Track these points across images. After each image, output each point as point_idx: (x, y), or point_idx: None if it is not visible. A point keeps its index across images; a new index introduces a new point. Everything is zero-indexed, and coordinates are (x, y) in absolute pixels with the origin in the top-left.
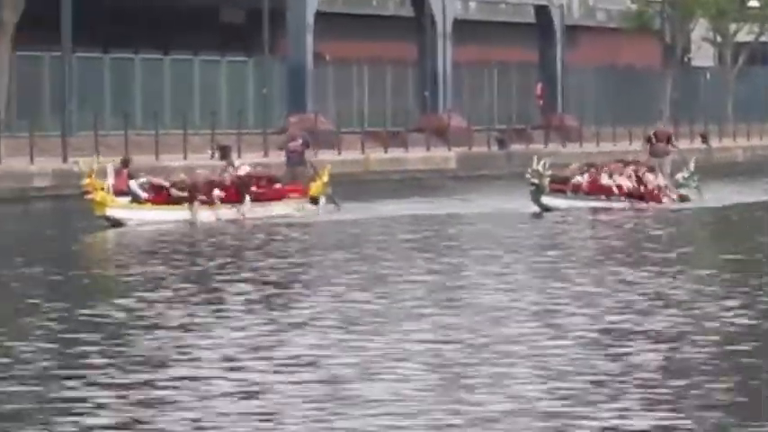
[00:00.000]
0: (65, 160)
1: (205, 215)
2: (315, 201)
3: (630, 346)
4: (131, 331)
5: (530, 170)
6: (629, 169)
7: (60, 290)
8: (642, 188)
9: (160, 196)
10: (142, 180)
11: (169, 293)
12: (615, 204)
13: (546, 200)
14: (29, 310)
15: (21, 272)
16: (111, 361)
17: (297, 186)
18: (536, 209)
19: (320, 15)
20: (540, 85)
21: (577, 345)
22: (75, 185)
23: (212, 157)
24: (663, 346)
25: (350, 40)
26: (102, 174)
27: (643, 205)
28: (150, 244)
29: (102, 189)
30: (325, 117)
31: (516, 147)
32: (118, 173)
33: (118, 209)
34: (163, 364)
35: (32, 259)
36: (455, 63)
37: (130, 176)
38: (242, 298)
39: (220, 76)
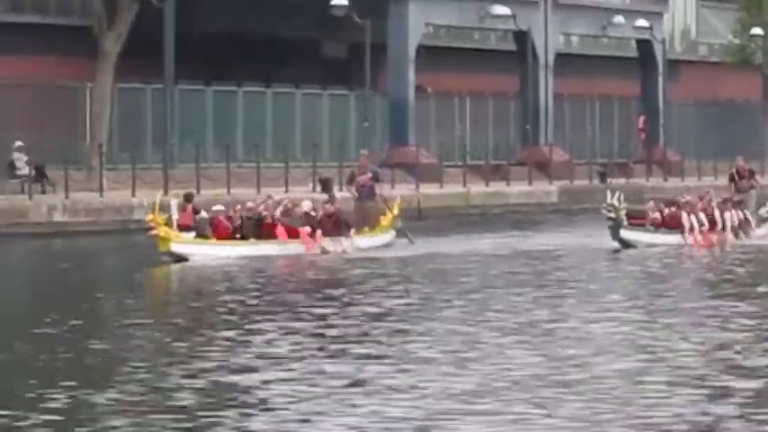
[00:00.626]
0: (166, 193)
1: (268, 249)
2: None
3: None
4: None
5: (605, 204)
6: (708, 203)
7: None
8: (720, 223)
9: (224, 231)
10: (204, 215)
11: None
12: (690, 239)
13: (625, 234)
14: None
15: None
16: None
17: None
18: (616, 244)
19: (422, 49)
20: (642, 118)
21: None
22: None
23: (314, 189)
24: None
25: (452, 73)
26: (164, 209)
27: (713, 239)
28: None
29: (166, 224)
30: (426, 150)
31: (618, 180)
32: (182, 208)
33: (181, 244)
34: None
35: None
36: (557, 96)
37: (195, 211)
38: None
39: (322, 109)
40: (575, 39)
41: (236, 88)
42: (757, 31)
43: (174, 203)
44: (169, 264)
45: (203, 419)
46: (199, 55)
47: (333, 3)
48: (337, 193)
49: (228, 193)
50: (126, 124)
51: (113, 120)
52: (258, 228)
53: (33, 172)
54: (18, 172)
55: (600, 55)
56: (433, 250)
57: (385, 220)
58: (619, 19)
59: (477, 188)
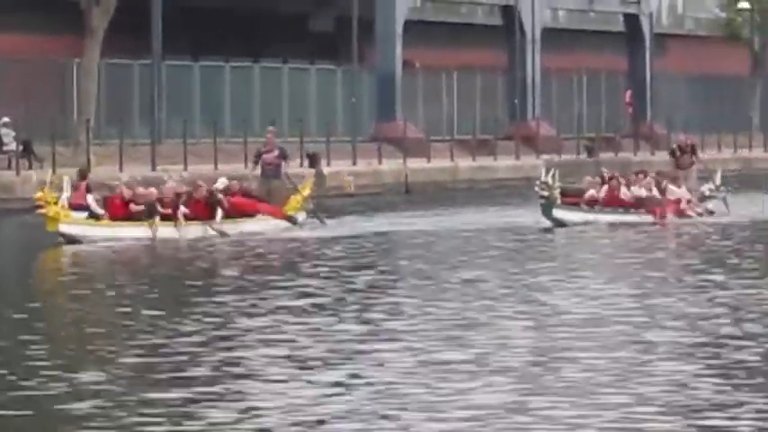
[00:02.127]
0: (153, 168)
1: (167, 232)
2: (292, 220)
3: None
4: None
5: (538, 182)
6: (649, 180)
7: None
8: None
9: (119, 212)
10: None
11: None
12: (629, 218)
13: (558, 213)
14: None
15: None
16: None
17: (269, 206)
18: (547, 223)
19: (409, 23)
20: (629, 93)
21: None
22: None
23: (301, 164)
24: None
25: (439, 47)
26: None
27: (654, 218)
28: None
29: (56, 203)
30: (414, 125)
31: (605, 155)
32: (75, 186)
33: (72, 225)
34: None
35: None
36: (544, 71)
37: (89, 190)
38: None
39: (309, 84)
40: (562, 13)
41: (224, 63)
42: (744, 4)
43: (66, 180)
44: (61, 245)
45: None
46: (186, 30)
47: None
48: (324, 169)
49: (216, 168)
50: (113, 100)
51: (101, 95)
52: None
53: (21, 147)
54: (5, 147)
55: (587, 29)
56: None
57: (294, 201)
58: None
59: (465, 163)
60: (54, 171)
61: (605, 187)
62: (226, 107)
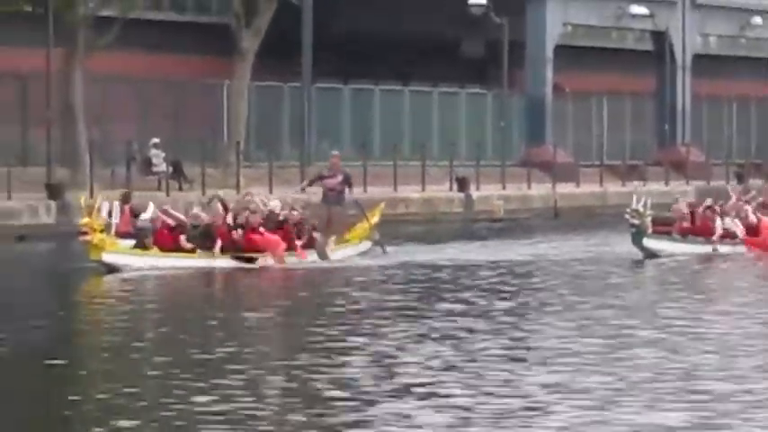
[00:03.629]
0: (303, 191)
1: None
2: (323, 255)
3: None
4: None
5: (629, 210)
6: (747, 208)
7: None
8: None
9: (167, 241)
10: (149, 215)
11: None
12: (723, 249)
13: (649, 243)
14: None
15: None
16: None
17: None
18: (638, 253)
19: (559, 48)
20: None
21: None
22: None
23: (450, 188)
24: None
25: (589, 72)
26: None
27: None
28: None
29: (102, 231)
30: (563, 149)
31: (755, 181)
32: (120, 211)
33: (115, 254)
34: None
35: None
36: (694, 96)
37: (134, 214)
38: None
39: (459, 107)
40: (712, 39)
41: (374, 87)
42: None
43: (115, 205)
44: (101, 274)
45: None
46: (336, 53)
47: (471, 2)
48: (473, 193)
49: (365, 191)
50: (263, 122)
51: (251, 117)
52: (205, 238)
53: (170, 169)
54: (155, 168)
55: (738, 55)
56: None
57: (361, 229)
58: (757, 20)
59: (614, 188)
60: (203, 192)
61: (699, 215)
62: (375, 130)
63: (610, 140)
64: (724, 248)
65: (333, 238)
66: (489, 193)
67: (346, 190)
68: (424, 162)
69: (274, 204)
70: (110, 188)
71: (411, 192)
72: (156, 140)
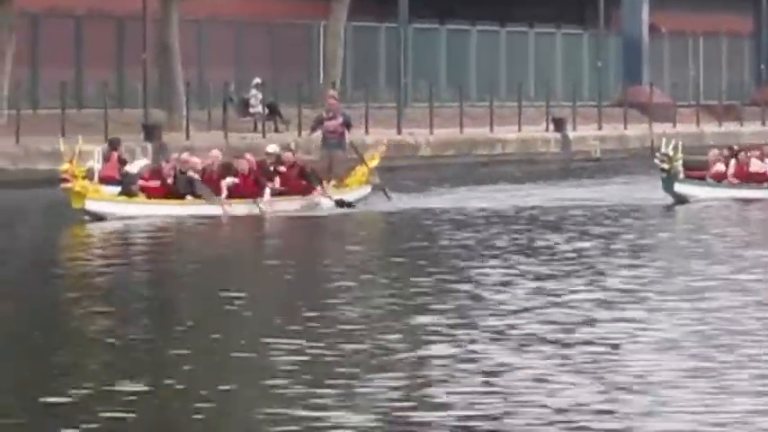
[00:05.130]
0: (399, 132)
1: (211, 210)
2: (340, 203)
3: None
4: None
5: (658, 154)
6: None
7: None
8: None
9: (157, 189)
10: (142, 163)
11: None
12: (761, 193)
13: (680, 188)
14: None
15: None
16: None
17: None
18: (669, 199)
19: None
20: None
21: None
22: (407, 156)
23: (547, 129)
24: None
25: (685, 12)
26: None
27: None
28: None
29: (84, 177)
30: (660, 89)
31: None
32: (106, 157)
33: (99, 201)
34: None
35: None
36: None
37: (121, 161)
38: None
39: (556, 48)
40: None
41: (470, 27)
42: None
43: (97, 150)
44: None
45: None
46: None
47: None
48: (570, 133)
49: (461, 132)
50: (359, 63)
51: (347, 58)
52: (191, 184)
53: (266, 110)
54: (252, 110)
55: None
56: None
57: (360, 173)
58: None
59: (711, 128)
60: (300, 134)
61: (732, 161)
62: (471, 71)
63: (706, 80)
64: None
65: (332, 182)
66: (586, 133)
67: (346, 132)
68: (521, 103)
69: (272, 148)
70: (206, 130)
71: (507, 132)
72: (258, 80)
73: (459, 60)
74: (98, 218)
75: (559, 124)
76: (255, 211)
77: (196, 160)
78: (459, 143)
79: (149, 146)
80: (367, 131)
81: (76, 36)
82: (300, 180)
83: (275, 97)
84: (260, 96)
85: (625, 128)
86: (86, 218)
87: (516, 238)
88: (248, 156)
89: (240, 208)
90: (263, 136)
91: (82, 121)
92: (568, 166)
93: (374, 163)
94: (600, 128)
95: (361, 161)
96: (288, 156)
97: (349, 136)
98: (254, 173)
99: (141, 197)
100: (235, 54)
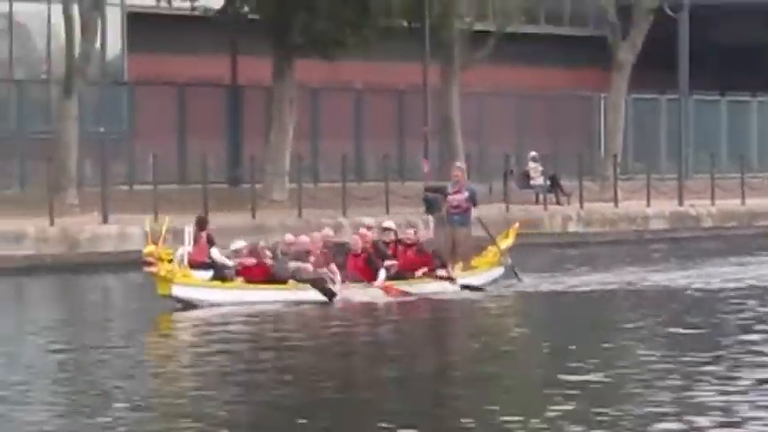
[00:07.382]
0: (681, 203)
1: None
2: (467, 288)
3: None
4: None
5: None
6: None
7: None
8: None
9: (255, 270)
10: (239, 245)
11: None
12: None
13: None
14: None
15: None
16: None
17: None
18: None
19: None
20: None
21: None
22: (691, 228)
23: None
24: None
25: None
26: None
27: None
28: None
29: (170, 261)
30: None
31: None
32: (195, 239)
33: (186, 287)
34: None
35: None
36: None
37: (210, 242)
38: None
39: None
40: None
41: (750, 98)
42: None
43: (187, 231)
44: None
45: None
46: (713, 65)
47: None
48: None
49: (743, 203)
50: (640, 135)
51: (628, 130)
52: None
53: (548, 182)
54: (532, 182)
55: None
56: None
57: (491, 254)
58: None
59: None
60: (581, 206)
61: None
62: (752, 142)
63: None
64: None
65: (459, 264)
66: None
67: (471, 208)
68: None
69: (388, 224)
70: (487, 203)
71: None
72: (534, 153)
73: (740, 131)
74: (187, 305)
75: None
76: (366, 298)
77: (305, 239)
78: (740, 215)
79: (430, 219)
80: (648, 203)
81: (356, 109)
82: (419, 259)
83: (555, 169)
84: (540, 168)
85: None
86: (177, 305)
87: None
88: (363, 230)
89: (353, 292)
90: (545, 209)
91: (362, 194)
92: None
93: (507, 243)
94: None
95: (492, 241)
96: (409, 234)
97: (475, 212)
98: (367, 252)
99: (237, 281)
100: (514, 126)
